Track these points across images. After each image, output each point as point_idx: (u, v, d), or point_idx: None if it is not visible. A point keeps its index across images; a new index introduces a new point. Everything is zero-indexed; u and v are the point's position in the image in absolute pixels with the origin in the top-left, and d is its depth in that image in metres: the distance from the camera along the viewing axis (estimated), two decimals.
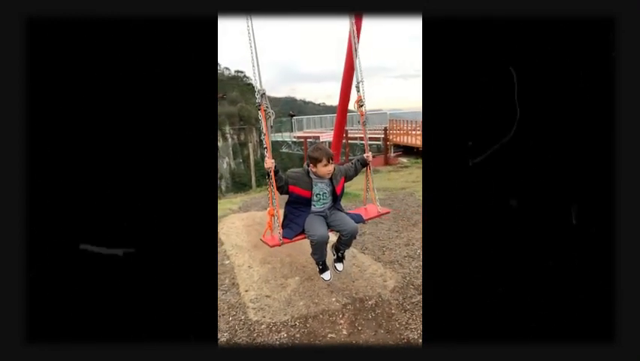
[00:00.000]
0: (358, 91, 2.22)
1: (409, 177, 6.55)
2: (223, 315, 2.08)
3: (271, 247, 1.92)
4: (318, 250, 2.03)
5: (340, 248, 2.23)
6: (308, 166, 2.00)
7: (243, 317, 2.04)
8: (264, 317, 2.04)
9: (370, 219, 2.31)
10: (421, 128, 9.42)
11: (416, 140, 10.30)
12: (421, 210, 3.82)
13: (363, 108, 2.23)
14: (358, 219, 2.11)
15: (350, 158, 9.25)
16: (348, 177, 2.18)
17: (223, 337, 1.88)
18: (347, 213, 2.10)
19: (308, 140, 14.43)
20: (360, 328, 1.90)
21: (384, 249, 2.89)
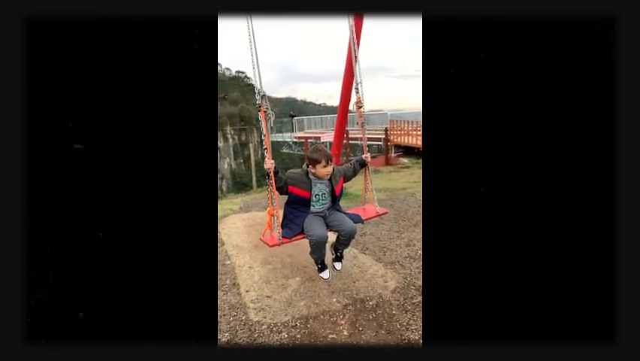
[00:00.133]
0: (357, 93, 2.23)
1: (410, 178, 6.55)
2: (224, 315, 2.08)
3: (270, 246, 1.93)
4: (317, 249, 2.05)
5: (339, 248, 2.26)
6: (307, 167, 2.00)
7: (243, 318, 2.04)
8: (264, 317, 2.04)
9: (369, 219, 2.32)
10: (421, 129, 9.42)
11: (417, 140, 10.29)
12: (421, 210, 3.82)
13: (362, 110, 2.24)
14: (357, 219, 2.13)
15: (350, 158, 9.24)
16: (347, 178, 2.20)
17: (224, 337, 1.88)
18: (346, 214, 2.11)
19: (309, 140, 14.43)
20: (361, 329, 1.89)
21: (385, 249, 2.89)
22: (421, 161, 8.20)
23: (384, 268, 2.56)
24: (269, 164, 1.80)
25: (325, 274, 2.24)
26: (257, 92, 1.81)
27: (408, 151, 10.66)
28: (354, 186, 3.51)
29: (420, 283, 2.30)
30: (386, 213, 2.40)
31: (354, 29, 2.43)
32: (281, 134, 17.48)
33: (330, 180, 2.03)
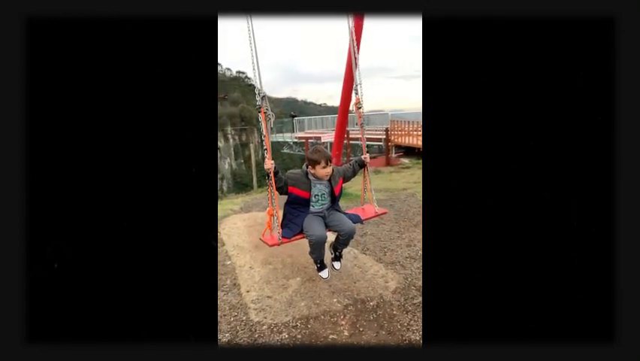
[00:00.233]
0: (357, 94, 2.24)
1: (411, 178, 6.54)
2: (224, 316, 2.08)
3: (270, 246, 1.93)
4: (317, 249, 2.06)
5: (338, 247, 2.27)
6: (307, 168, 2.01)
7: (244, 318, 2.04)
8: (265, 317, 2.04)
9: (368, 219, 2.33)
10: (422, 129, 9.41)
11: (417, 140, 10.28)
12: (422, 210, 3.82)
13: (361, 110, 2.24)
14: (356, 219, 2.14)
15: (351, 158, 9.25)
16: (347, 178, 2.21)
17: (224, 337, 1.88)
18: (345, 214, 2.12)
19: (309, 140, 14.42)
20: (361, 329, 1.89)
21: (385, 250, 2.89)
22: (421, 161, 8.21)
23: (385, 268, 2.56)
24: (269, 164, 1.81)
25: (324, 274, 2.26)
26: (257, 92, 1.82)
27: (408, 151, 10.65)
28: (354, 186, 3.51)
29: (420, 283, 2.30)
30: (385, 213, 2.40)
31: (353, 32, 2.44)
32: (281, 135, 17.47)
33: (329, 180, 2.04)
